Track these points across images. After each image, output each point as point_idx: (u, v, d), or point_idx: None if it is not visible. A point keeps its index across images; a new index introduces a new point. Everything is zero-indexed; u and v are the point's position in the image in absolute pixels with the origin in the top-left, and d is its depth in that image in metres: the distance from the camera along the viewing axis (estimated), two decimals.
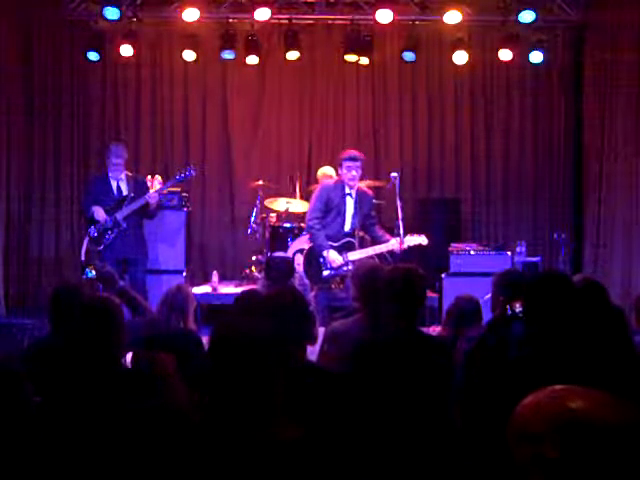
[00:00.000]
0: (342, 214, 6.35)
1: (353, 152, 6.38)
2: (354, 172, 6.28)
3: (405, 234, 6.25)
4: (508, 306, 3.46)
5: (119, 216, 6.74)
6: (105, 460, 2.01)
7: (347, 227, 6.39)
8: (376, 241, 6.47)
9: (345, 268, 6.24)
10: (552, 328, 2.65)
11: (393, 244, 6.29)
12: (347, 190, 6.35)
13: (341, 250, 6.30)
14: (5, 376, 2.15)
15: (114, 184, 6.88)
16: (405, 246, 6.23)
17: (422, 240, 6.37)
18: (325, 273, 6.28)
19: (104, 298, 3.31)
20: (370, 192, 6.67)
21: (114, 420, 2.10)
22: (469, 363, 3.14)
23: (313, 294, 6.19)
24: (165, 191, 7.29)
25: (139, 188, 6.95)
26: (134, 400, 2.39)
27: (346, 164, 6.28)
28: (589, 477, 1.22)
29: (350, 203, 6.36)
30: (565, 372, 2.46)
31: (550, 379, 2.40)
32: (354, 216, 6.35)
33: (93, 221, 6.77)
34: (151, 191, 7.03)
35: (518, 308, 3.39)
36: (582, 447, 1.23)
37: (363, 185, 6.68)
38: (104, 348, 2.96)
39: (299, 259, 6.56)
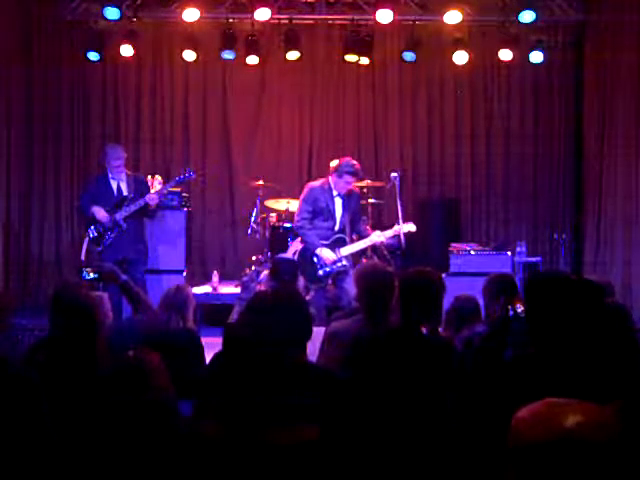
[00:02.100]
0: (333, 216, 6.36)
1: (357, 167, 6.29)
2: (350, 186, 6.33)
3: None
4: (510, 307, 3.46)
5: (118, 217, 6.73)
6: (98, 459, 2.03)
7: (337, 227, 6.42)
8: (361, 236, 6.51)
9: (339, 264, 6.26)
10: (553, 328, 2.65)
11: (379, 235, 6.35)
12: (334, 192, 6.36)
13: (333, 247, 6.31)
14: (23, 383, 2.16)
15: (114, 185, 6.87)
16: (401, 234, 6.32)
17: (410, 227, 6.44)
18: (320, 272, 6.28)
19: (85, 296, 3.33)
20: (356, 189, 6.68)
21: (97, 416, 2.11)
22: (464, 363, 3.14)
23: (309, 295, 6.19)
24: (165, 192, 7.29)
25: (139, 188, 6.94)
26: (117, 395, 2.40)
27: (347, 178, 6.25)
28: None
29: (339, 204, 6.38)
30: (566, 372, 2.46)
31: (550, 379, 2.41)
32: (343, 215, 6.38)
33: (93, 221, 6.76)
34: (151, 191, 7.03)
35: (519, 308, 3.39)
36: (573, 464, 1.24)
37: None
38: (85, 345, 2.99)
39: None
